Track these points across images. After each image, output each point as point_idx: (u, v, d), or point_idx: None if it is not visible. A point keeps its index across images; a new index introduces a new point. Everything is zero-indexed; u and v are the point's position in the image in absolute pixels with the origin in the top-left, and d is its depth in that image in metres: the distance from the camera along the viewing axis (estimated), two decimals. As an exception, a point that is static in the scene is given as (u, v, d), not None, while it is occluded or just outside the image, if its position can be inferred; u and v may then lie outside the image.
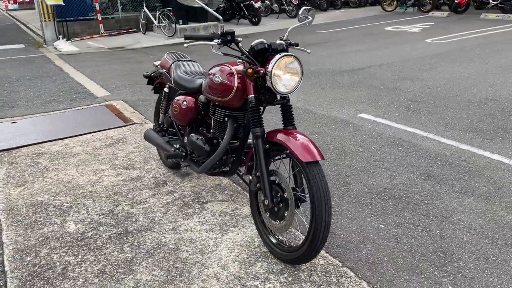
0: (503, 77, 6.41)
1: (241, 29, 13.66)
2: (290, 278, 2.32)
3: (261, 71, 2.33)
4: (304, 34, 11.71)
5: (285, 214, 2.33)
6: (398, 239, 2.67)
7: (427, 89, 5.98)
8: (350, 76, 6.96)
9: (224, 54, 2.53)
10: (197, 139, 2.92)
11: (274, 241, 2.52)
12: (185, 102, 3.03)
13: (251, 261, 2.47)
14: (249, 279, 2.32)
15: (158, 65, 3.70)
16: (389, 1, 17.13)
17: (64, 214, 3.05)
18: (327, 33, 12.03)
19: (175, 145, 3.30)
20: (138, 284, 2.31)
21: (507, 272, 2.34)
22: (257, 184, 2.47)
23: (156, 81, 3.71)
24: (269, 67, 2.30)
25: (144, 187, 3.44)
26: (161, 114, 3.58)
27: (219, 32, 2.52)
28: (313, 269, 2.38)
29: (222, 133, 2.83)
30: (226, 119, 2.76)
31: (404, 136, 4.34)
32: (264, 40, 2.43)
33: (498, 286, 2.24)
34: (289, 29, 2.64)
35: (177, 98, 3.14)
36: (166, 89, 3.40)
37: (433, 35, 10.71)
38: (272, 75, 2.30)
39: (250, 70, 2.34)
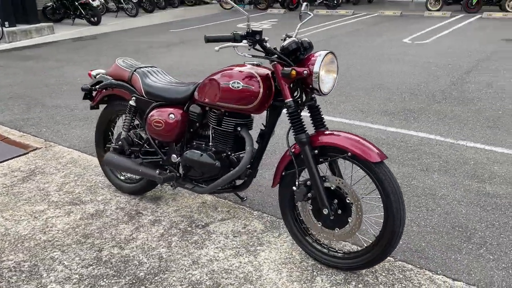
0: (372, 64, 7.25)
1: (81, 30, 12.39)
2: (360, 285, 2.22)
3: (304, 72, 2.15)
4: (158, 34, 11.23)
5: (349, 220, 2.21)
6: (417, 223, 2.80)
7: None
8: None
9: (253, 56, 2.26)
10: (201, 155, 2.55)
11: (325, 250, 2.38)
12: (172, 115, 2.61)
13: (309, 278, 2.29)
14: (323, 296, 2.15)
15: (98, 74, 3.11)
16: (225, -1, 17.64)
17: (34, 277, 2.33)
18: (181, 32, 11.77)
19: (153, 168, 2.83)
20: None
21: (514, 232, 2.67)
22: (307, 194, 2.28)
23: (100, 94, 3.10)
24: (316, 68, 2.14)
25: (117, 222, 2.86)
26: (122, 132, 3.01)
27: (245, 32, 2.24)
28: (373, 270, 2.33)
29: (228, 145, 2.53)
30: (238, 128, 2.48)
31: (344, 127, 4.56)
32: (296, 39, 2.25)
33: (518, 246, 2.54)
34: (298, 26, 2.49)
35: (156, 111, 2.70)
36: (132, 102, 2.87)
37: (288, 31, 11.45)
38: (319, 76, 2.14)
39: (294, 72, 2.14)
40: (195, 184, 2.68)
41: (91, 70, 3.20)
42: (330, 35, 10.50)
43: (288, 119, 2.26)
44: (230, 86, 2.35)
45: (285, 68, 2.18)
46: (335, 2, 15.66)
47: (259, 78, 2.30)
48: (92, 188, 3.32)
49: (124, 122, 2.98)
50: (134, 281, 2.30)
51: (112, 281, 2.30)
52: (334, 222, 2.25)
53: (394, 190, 2.06)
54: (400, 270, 2.33)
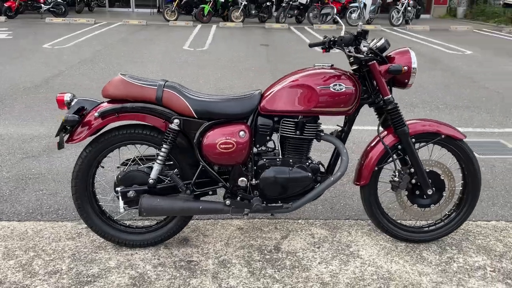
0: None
1: None
2: (455, 249, 2.58)
3: (404, 68, 2.32)
4: None
5: (444, 194, 2.52)
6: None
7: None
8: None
9: (349, 54, 2.30)
10: (291, 170, 2.35)
11: (409, 230, 2.60)
12: (242, 133, 2.28)
13: (419, 256, 2.48)
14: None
15: (73, 99, 2.30)
16: None
17: None
18: None
19: (210, 200, 2.35)
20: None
21: None
22: (411, 181, 2.45)
23: (106, 121, 2.29)
24: (414, 64, 2.34)
25: (183, 280, 2.23)
26: (156, 166, 2.32)
27: (356, 31, 2.23)
28: (455, 237, 2.72)
29: (305, 153, 2.42)
30: (321, 134, 2.40)
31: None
32: (385, 39, 2.38)
33: None
34: (343, 29, 2.57)
35: (218, 131, 2.28)
36: (174, 126, 2.26)
37: (39, 41, 9.96)
38: (416, 71, 2.36)
39: (405, 68, 2.29)
40: (281, 204, 2.39)
41: (62, 94, 2.30)
42: (104, 44, 9.80)
43: (389, 115, 2.38)
44: (331, 89, 2.26)
45: (393, 65, 2.29)
46: (63, 9, 14.53)
47: (353, 78, 2.32)
48: (88, 255, 2.39)
49: (159, 154, 2.31)
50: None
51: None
52: (431, 200, 2.52)
53: (477, 163, 2.51)
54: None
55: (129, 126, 2.36)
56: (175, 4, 14.76)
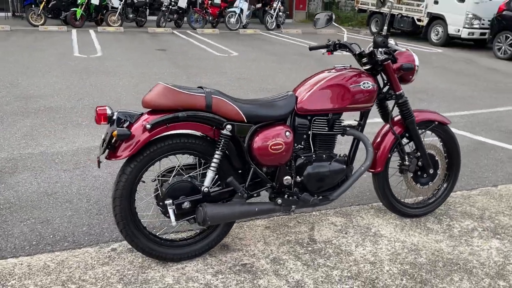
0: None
1: None
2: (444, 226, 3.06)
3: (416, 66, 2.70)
4: None
5: (438, 173, 2.97)
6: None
7: (83, 101, 5.64)
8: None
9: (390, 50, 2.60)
10: (330, 164, 2.56)
11: (409, 206, 3.00)
12: (287, 133, 2.42)
13: (424, 226, 2.89)
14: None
15: (116, 111, 2.20)
16: None
17: None
18: None
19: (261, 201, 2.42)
20: None
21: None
22: (418, 163, 2.84)
23: (155, 133, 2.18)
24: (417, 62, 2.73)
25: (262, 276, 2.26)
26: (210, 173, 2.28)
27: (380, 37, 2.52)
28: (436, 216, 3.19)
29: (333, 147, 2.65)
30: (347, 129, 2.66)
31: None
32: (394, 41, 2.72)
33: None
34: (345, 34, 2.87)
35: (268, 132, 2.37)
36: (227, 132, 2.26)
37: None
38: (418, 69, 2.75)
39: (417, 66, 2.66)
40: (322, 196, 2.56)
41: (102, 108, 2.13)
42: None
43: (400, 107, 2.73)
44: (361, 87, 2.52)
45: (405, 63, 2.63)
46: None
47: (372, 76, 2.61)
48: (137, 277, 2.24)
49: (212, 161, 2.29)
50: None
51: None
52: (430, 178, 2.95)
53: (457, 141, 3.02)
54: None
55: (171, 137, 2.28)
56: (41, 7, 13.44)
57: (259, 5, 17.43)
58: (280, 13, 16.24)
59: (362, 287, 2.27)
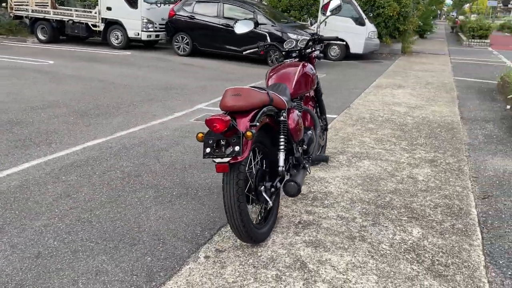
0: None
1: None
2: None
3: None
4: None
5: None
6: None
7: None
8: None
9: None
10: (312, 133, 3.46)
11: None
12: (297, 112, 3.13)
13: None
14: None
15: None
16: None
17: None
18: None
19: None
20: None
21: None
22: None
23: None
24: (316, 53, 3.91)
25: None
26: (281, 155, 2.80)
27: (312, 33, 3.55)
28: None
29: None
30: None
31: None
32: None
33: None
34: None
35: (292, 114, 2.96)
36: (284, 118, 2.87)
37: None
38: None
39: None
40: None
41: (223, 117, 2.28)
42: None
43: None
44: (309, 73, 3.48)
45: (318, 53, 3.74)
46: None
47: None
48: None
49: (280, 144, 2.80)
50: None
51: (397, 214, 3.27)
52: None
53: None
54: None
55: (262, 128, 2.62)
56: None
57: None
58: None
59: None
